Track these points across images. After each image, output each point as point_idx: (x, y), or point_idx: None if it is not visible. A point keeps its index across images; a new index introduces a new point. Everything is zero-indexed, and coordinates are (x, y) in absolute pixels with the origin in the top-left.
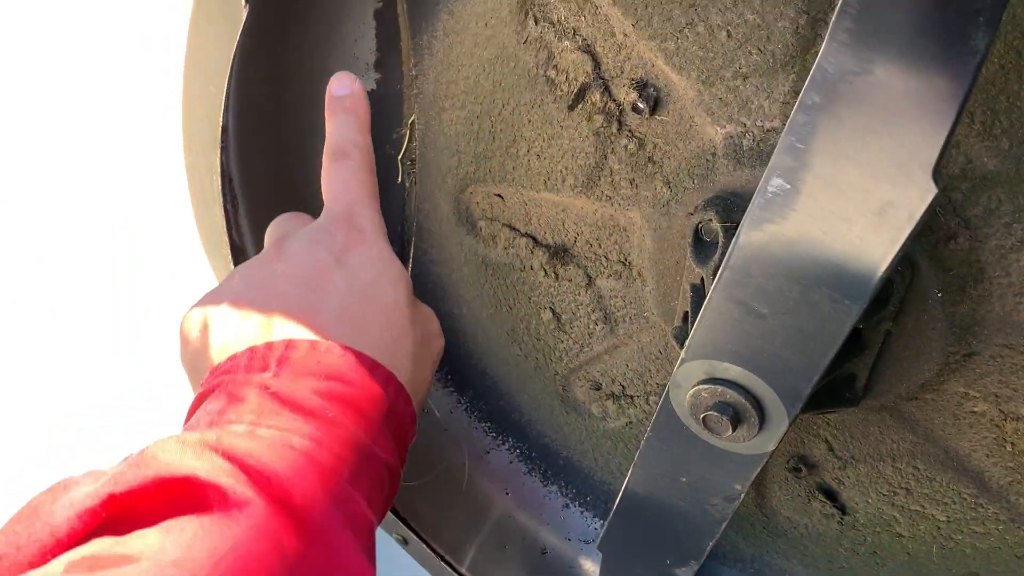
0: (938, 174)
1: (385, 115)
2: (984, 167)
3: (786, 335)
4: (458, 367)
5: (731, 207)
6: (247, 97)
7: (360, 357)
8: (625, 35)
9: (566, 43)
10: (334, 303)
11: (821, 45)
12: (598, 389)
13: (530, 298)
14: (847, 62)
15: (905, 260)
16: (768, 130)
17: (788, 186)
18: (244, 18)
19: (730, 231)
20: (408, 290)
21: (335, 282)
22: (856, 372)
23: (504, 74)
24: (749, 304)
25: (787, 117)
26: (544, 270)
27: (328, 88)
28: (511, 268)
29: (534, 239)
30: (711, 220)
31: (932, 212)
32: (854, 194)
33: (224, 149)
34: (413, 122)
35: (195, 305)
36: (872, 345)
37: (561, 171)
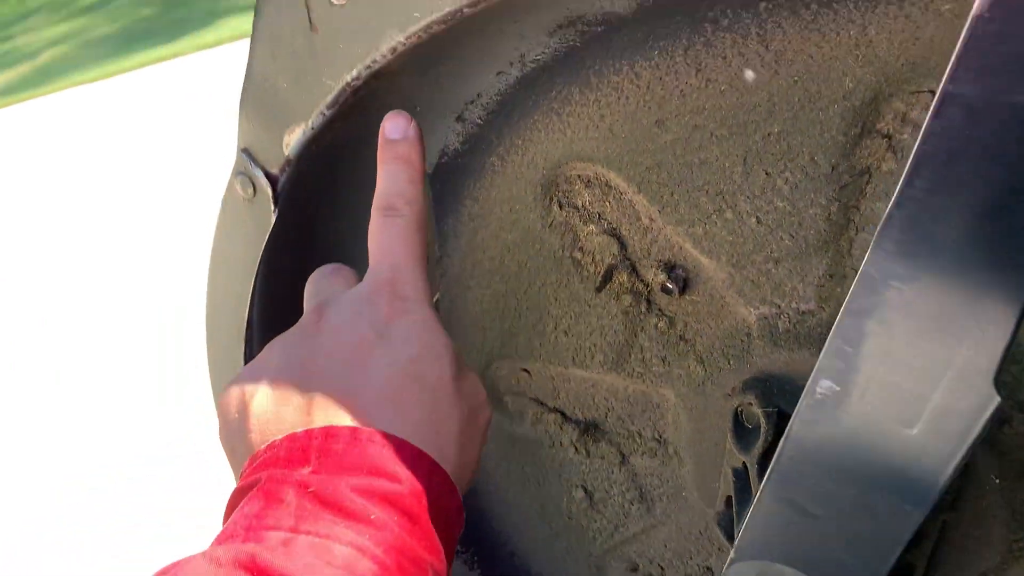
0: (999, 382)
1: None
2: None
3: (842, 538)
4: (485, 546)
5: (771, 390)
6: (272, 293)
7: (403, 446)
8: (651, 220)
9: (591, 227)
10: (377, 383)
11: (854, 231)
12: (635, 571)
13: (560, 475)
14: (895, 270)
15: None
16: (803, 312)
17: (838, 388)
18: (272, 222)
19: (771, 417)
20: (454, 362)
21: (378, 359)
22: (914, 562)
23: (529, 255)
24: (801, 505)
25: (822, 299)
26: (575, 446)
27: (381, 129)
28: (540, 444)
29: (563, 414)
30: (751, 404)
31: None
32: (911, 399)
33: (248, 342)
34: (438, 300)
35: (233, 382)
36: (930, 534)
37: (590, 348)
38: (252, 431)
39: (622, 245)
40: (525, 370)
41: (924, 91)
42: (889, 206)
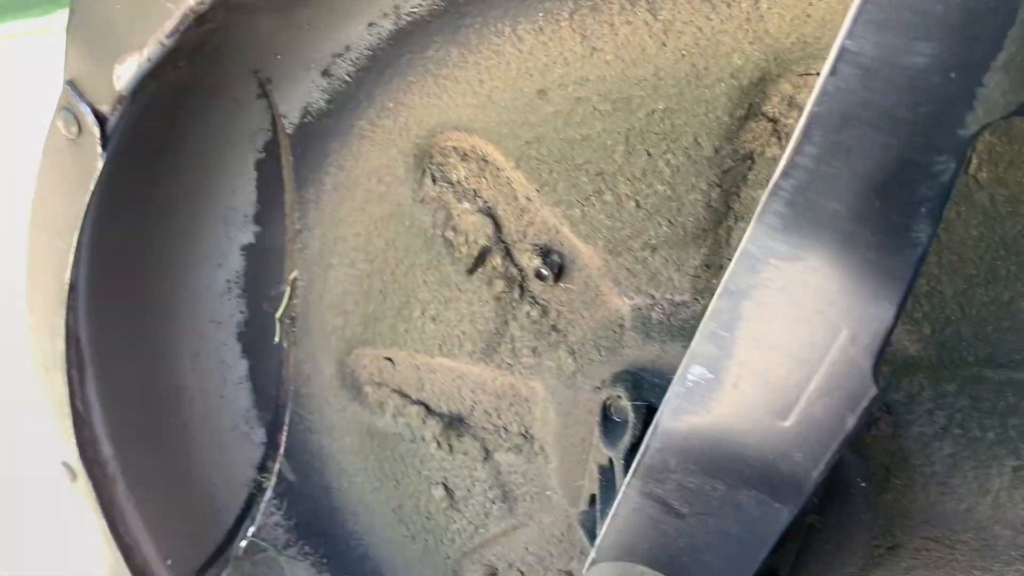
0: (877, 373)
1: (264, 270)
2: (905, 351)
3: (708, 538)
4: (336, 549)
5: (641, 384)
6: (101, 252)
7: None
8: (528, 199)
9: (466, 204)
10: None
11: (733, 220)
12: (494, 575)
13: (421, 472)
14: (777, 247)
15: None
16: (678, 303)
17: (711, 375)
18: (99, 167)
19: (640, 411)
20: None
21: None
22: (777, 566)
23: (398, 233)
24: (667, 502)
25: (698, 291)
26: (437, 442)
27: None
28: (400, 438)
29: (427, 407)
30: (620, 397)
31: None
32: (785, 389)
33: (72, 309)
34: (295, 279)
35: None
36: (794, 538)
37: (458, 336)
38: None
39: (497, 226)
40: (388, 358)
41: (813, 73)
42: (775, 175)
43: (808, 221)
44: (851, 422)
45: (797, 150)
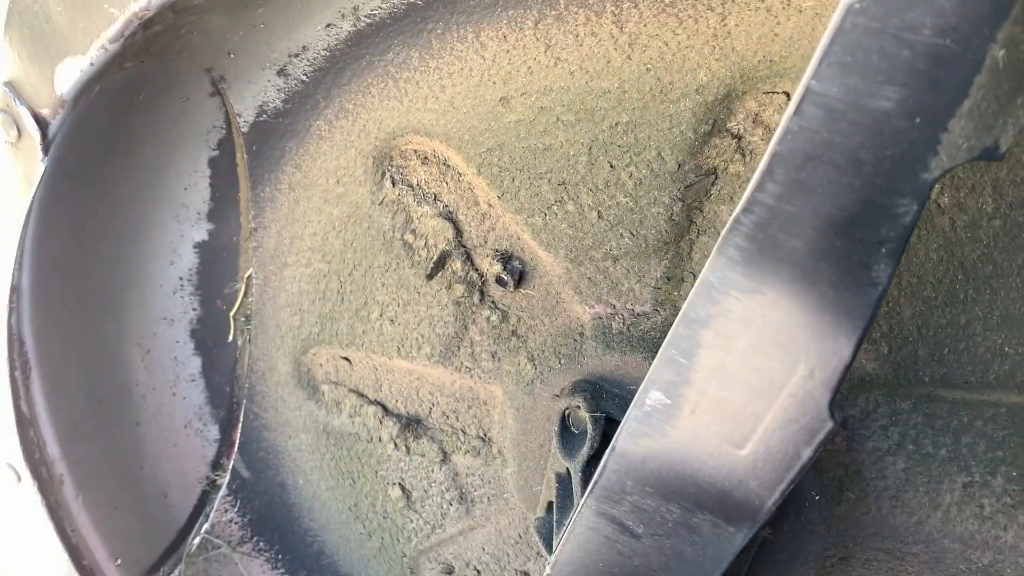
0: (834, 407)
1: (217, 268)
2: (863, 369)
3: (662, 559)
4: (291, 545)
5: (600, 394)
6: (46, 253)
7: None
8: (490, 205)
9: (426, 208)
10: None
11: (696, 233)
12: (450, 573)
13: (377, 472)
14: (736, 279)
15: None
16: (639, 314)
17: (668, 401)
18: (40, 171)
19: (599, 422)
20: None
21: None
22: None
23: (356, 234)
24: (622, 522)
25: (658, 302)
26: (394, 442)
27: None
28: (356, 438)
29: (384, 407)
30: (579, 407)
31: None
32: (742, 418)
33: (15, 311)
34: (250, 276)
35: None
36: (747, 549)
37: (417, 338)
38: None
39: (457, 230)
40: (345, 358)
41: (779, 92)
42: (737, 210)
43: (768, 256)
44: (807, 454)
45: (759, 187)
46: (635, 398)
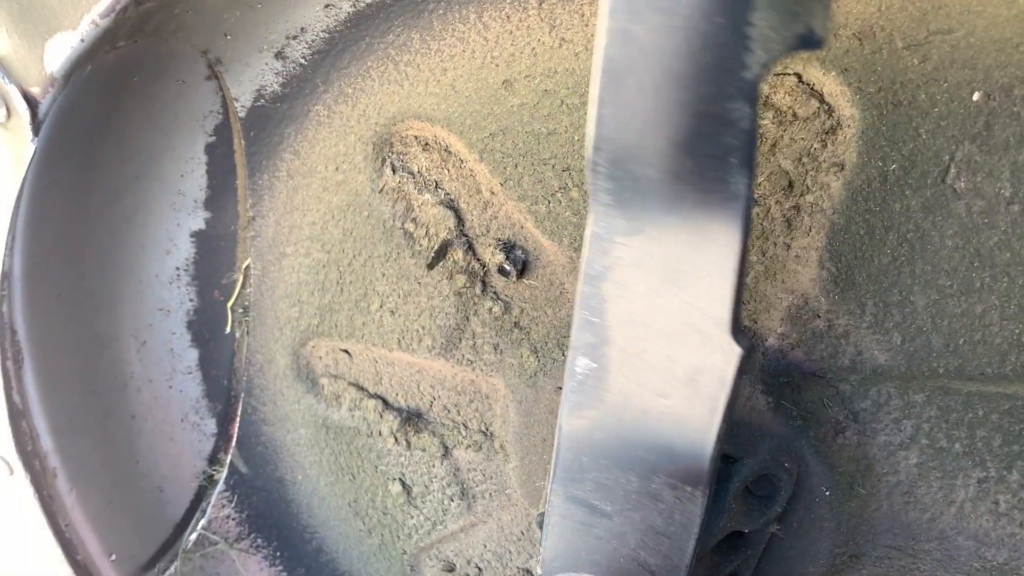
0: (738, 331)
1: (215, 258)
2: (875, 360)
3: (637, 534)
4: (289, 542)
5: None
6: (39, 239)
7: None
8: (492, 193)
9: (427, 196)
10: None
11: None
12: (451, 571)
13: (377, 467)
14: (618, 223)
15: (792, 457)
16: None
17: (595, 365)
18: (30, 152)
19: None
20: None
21: None
22: (739, 573)
23: (356, 223)
24: (590, 503)
25: None
26: (395, 437)
27: None
28: (356, 432)
29: (384, 401)
30: None
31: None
32: (661, 364)
33: (7, 298)
34: (248, 267)
35: None
36: (756, 545)
37: (418, 330)
38: None
39: (459, 219)
40: (345, 351)
41: (789, 73)
42: (588, 150)
43: (634, 192)
44: (726, 388)
45: (598, 121)
46: (566, 368)
